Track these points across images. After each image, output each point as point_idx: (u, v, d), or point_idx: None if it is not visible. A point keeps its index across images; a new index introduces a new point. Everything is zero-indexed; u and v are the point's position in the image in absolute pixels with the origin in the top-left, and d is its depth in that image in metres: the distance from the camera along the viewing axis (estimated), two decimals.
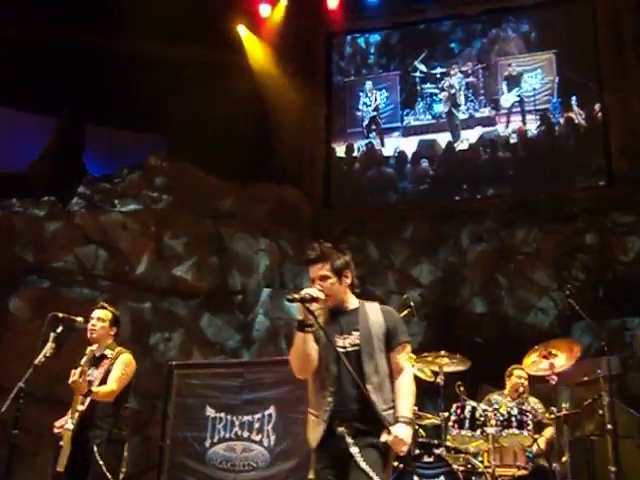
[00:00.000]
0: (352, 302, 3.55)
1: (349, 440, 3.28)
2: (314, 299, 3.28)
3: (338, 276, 3.45)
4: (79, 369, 4.58)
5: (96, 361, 4.92)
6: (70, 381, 4.58)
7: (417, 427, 6.26)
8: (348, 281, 3.51)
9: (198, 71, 11.43)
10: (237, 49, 11.71)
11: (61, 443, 4.57)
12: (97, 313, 5.06)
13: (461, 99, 11.46)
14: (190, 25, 10.90)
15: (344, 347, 3.39)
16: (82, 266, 8.99)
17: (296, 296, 3.27)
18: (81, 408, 4.63)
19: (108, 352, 4.92)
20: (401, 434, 3.25)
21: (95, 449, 4.64)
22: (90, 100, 11.18)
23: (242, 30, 11.82)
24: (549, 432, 6.21)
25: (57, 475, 4.57)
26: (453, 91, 11.48)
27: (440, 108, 11.54)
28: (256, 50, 11.82)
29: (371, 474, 3.21)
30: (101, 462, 4.60)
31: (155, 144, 11.87)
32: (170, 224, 9.61)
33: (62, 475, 4.57)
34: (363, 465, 3.21)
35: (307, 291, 3.31)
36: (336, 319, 3.48)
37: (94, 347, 4.79)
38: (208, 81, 11.26)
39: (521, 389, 6.50)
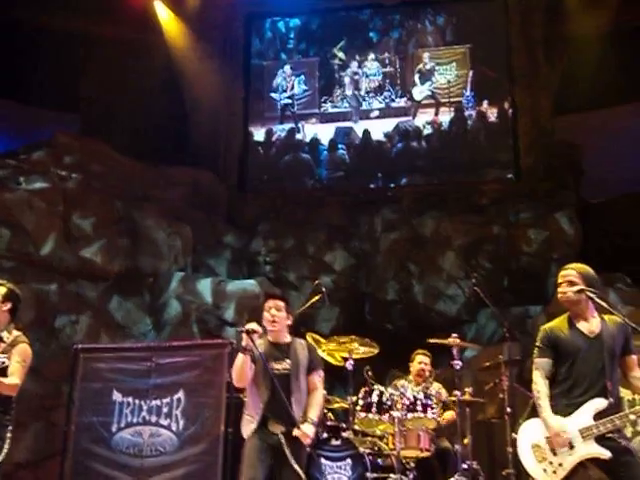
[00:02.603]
0: (288, 338, 4.84)
1: (282, 438, 4.49)
2: (255, 331, 4.52)
3: (287, 313, 4.80)
4: None
5: None
6: None
7: (326, 411, 6.36)
8: (289, 322, 4.83)
9: (113, 48, 11.10)
10: (153, 27, 11.39)
11: None
12: None
13: (362, 85, 11.59)
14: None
15: (278, 369, 4.65)
16: None
17: (243, 329, 4.53)
18: None
19: (5, 335, 4.72)
20: (306, 431, 4.50)
21: None
22: None
23: (159, 7, 11.49)
24: (449, 414, 6.43)
25: None
26: (357, 77, 11.62)
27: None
28: (173, 28, 11.51)
29: (295, 467, 4.43)
30: None
31: (67, 122, 11.43)
32: (79, 204, 9.29)
33: None
34: (292, 461, 4.43)
35: (251, 325, 4.54)
36: (275, 349, 4.75)
37: None
38: (123, 59, 10.95)
39: (427, 374, 6.70)
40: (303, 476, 4.47)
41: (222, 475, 5.99)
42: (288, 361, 4.69)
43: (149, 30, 11.30)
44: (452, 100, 11.32)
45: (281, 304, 4.77)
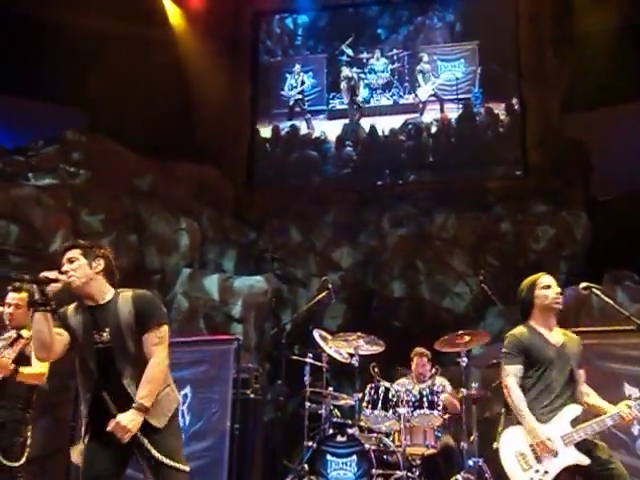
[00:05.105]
0: (107, 295, 3.57)
1: (141, 439, 3.36)
2: (52, 280, 3.31)
3: (87, 260, 3.51)
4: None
5: (11, 340, 4.79)
6: None
7: (332, 407, 6.36)
8: (99, 268, 3.54)
9: (121, 44, 11.10)
10: (161, 23, 11.41)
11: None
12: (13, 298, 4.86)
13: (360, 88, 11.54)
14: None
15: (101, 343, 3.45)
16: None
17: (28, 277, 3.43)
18: None
19: (24, 332, 4.78)
20: (124, 421, 3.27)
21: None
22: (5, 69, 10.70)
23: (167, 3, 11.52)
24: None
25: None
26: (353, 83, 11.61)
27: (366, 93, 11.63)
28: (181, 25, 11.54)
29: (155, 453, 3.37)
30: None
31: (74, 118, 11.46)
32: (87, 200, 9.34)
33: None
34: (153, 450, 3.38)
35: (43, 273, 3.34)
36: (93, 314, 3.51)
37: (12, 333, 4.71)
38: (131, 55, 10.95)
39: (427, 374, 6.69)
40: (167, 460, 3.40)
41: (228, 471, 6.01)
42: (107, 329, 3.45)
43: (157, 27, 11.32)
44: (460, 97, 11.28)
45: (75, 252, 3.51)
